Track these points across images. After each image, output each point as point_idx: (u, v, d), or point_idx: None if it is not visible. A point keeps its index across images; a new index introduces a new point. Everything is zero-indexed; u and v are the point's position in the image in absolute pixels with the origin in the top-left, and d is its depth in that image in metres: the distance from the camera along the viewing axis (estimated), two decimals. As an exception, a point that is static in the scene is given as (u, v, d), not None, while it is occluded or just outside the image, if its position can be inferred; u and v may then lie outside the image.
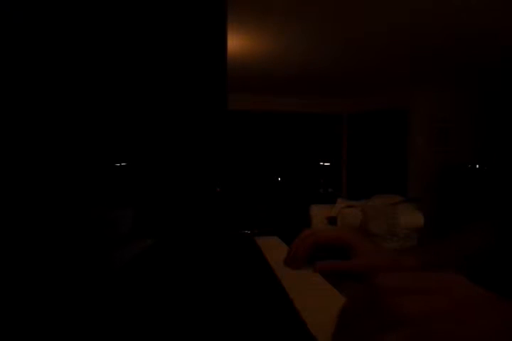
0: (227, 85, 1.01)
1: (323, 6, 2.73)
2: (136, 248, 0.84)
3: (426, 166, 4.82)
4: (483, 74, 4.28)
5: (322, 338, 0.34)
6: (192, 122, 0.96)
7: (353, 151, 5.64)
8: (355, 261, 0.57)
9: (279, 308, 0.44)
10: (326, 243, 0.60)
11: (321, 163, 5.77)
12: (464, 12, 2.79)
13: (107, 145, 0.79)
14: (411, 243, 3.83)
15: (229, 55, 1.07)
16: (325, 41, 3.43)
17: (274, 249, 0.80)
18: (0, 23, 0.44)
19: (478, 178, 4.32)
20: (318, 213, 4.59)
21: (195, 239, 1.04)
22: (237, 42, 3.37)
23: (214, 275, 0.63)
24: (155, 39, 0.85)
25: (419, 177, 4.87)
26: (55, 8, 0.55)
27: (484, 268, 0.63)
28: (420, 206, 4.07)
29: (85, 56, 0.66)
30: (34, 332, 0.36)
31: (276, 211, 5.31)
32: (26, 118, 0.49)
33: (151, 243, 0.92)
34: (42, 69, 0.53)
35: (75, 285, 0.51)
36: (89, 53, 0.67)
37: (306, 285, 0.53)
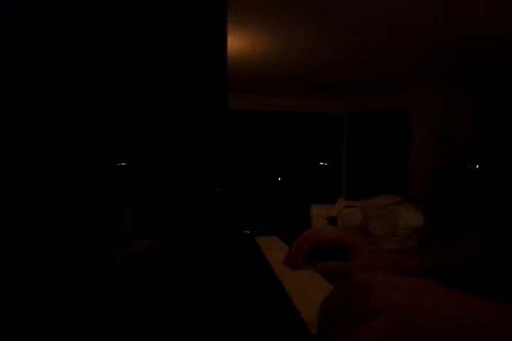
0: (227, 85, 1.01)
1: (322, 6, 2.73)
2: (136, 248, 0.84)
3: (426, 166, 4.82)
4: (483, 74, 4.28)
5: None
6: (192, 122, 0.96)
7: (353, 151, 5.64)
8: (355, 262, 0.57)
9: (279, 308, 0.44)
10: (326, 243, 0.60)
11: (321, 163, 5.76)
12: (464, 12, 2.79)
13: (107, 146, 0.79)
14: (411, 243, 3.83)
15: (229, 55, 1.07)
16: (325, 41, 3.43)
17: (274, 249, 0.80)
18: (0, 23, 0.44)
19: (478, 178, 4.32)
20: (318, 213, 4.59)
21: (195, 239, 1.04)
22: (237, 42, 3.37)
23: (214, 275, 0.63)
24: (155, 39, 0.85)
25: (419, 177, 4.87)
26: (55, 8, 0.55)
27: (484, 271, 0.63)
28: (420, 206, 4.07)
29: (85, 56, 0.66)
30: (34, 331, 0.36)
31: (276, 211, 5.31)
32: (27, 118, 0.49)
33: (151, 243, 0.92)
34: (42, 69, 0.53)
35: (75, 285, 0.51)
36: (89, 53, 0.67)
37: (306, 285, 0.53)
